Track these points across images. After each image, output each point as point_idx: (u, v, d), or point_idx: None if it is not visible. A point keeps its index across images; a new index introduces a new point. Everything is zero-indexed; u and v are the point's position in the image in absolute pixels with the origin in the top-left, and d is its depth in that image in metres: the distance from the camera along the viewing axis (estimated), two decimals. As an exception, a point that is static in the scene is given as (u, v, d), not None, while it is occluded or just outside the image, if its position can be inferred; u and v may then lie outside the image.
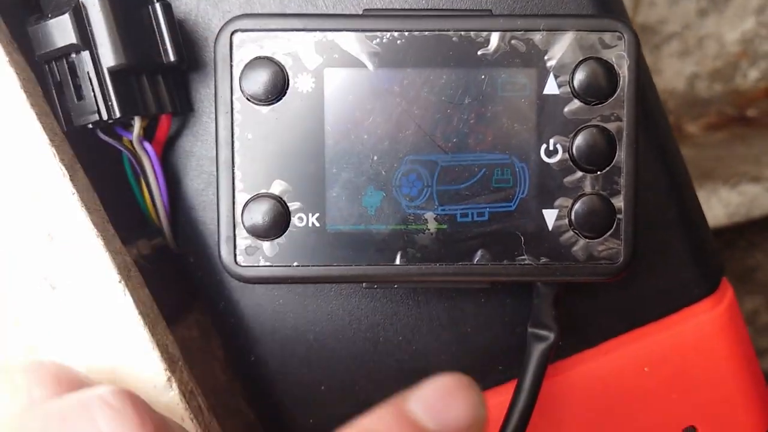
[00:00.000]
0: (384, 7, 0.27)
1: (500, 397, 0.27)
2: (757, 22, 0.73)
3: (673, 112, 0.77)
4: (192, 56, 0.27)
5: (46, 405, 0.20)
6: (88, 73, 0.24)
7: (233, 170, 0.24)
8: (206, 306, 0.30)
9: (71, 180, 0.23)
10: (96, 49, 0.24)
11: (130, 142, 0.26)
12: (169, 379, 0.24)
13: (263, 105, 0.24)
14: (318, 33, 0.24)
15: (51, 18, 0.23)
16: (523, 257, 0.25)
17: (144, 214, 0.29)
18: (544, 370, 0.26)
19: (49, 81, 0.24)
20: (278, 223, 0.24)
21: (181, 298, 0.34)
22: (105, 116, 0.24)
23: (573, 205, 0.25)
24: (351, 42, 0.24)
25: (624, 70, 0.25)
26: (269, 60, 0.24)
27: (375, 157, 0.24)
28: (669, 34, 0.74)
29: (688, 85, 0.77)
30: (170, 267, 0.31)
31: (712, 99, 0.78)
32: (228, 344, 0.31)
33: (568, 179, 0.25)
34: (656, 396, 0.29)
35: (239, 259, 0.25)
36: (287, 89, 0.24)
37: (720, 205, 0.68)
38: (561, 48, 0.24)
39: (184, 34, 0.27)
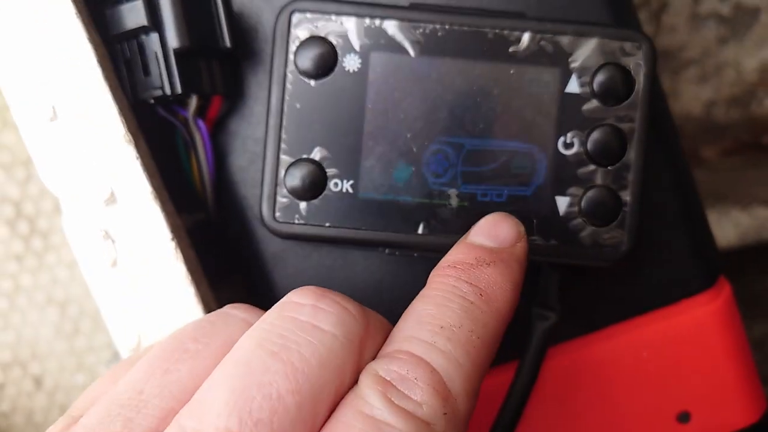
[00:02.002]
0: (428, 2, 0.30)
1: (503, 376, 0.29)
2: (776, 51, 0.75)
3: (689, 136, 0.79)
4: (244, 45, 0.30)
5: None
6: (155, 52, 0.27)
7: (280, 135, 0.27)
8: (242, 275, 0.33)
9: (135, 146, 0.26)
10: (164, 31, 0.26)
11: (185, 118, 0.29)
12: (210, 331, 0.27)
13: (313, 79, 0.27)
14: (368, 19, 0.27)
15: (126, 2, 0.26)
16: (534, 238, 0.27)
17: (187, 191, 0.32)
18: (546, 347, 0.29)
19: (120, 58, 0.27)
20: (316, 185, 0.27)
21: (215, 271, 0.37)
22: (168, 91, 0.27)
23: (584, 194, 0.27)
24: (397, 30, 0.27)
25: (640, 77, 0.27)
26: (322, 39, 0.27)
27: (408, 135, 0.27)
28: (688, 60, 0.76)
29: (705, 111, 0.79)
30: (208, 242, 0.33)
31: (729, 125, 0.80)
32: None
33: (581, 171, 0.27)
34: (653, 381, 0.31)
35: (277, 215, 0.27)
36: (335, 67, 0.27)
37: (731, 225, 0.69)
38: (585, 52, 0.27)
39: (238, 24, 0.30)
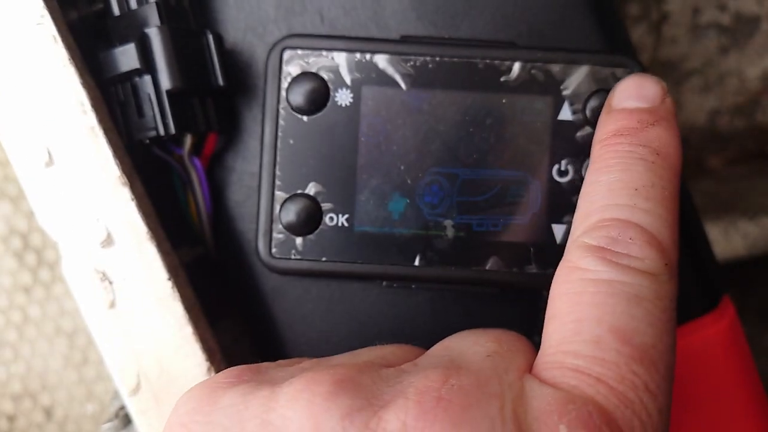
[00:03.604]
0: (419, 35, 0.30)
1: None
2: (778, 60, 0.75)
3: (694, 146, 0.79)
4: (238, 81, 0.31)
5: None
6: (149, 94, 0.27)
7: (275, 171, 0.27)
8: (241, 310, 0.33)
9: (131, 188, 0.26)
10: (156, 73, 0.27)
11: (181, 157, 0.29)
12: (209, 369, 0.27)
13: (305, 115, 0.27)
14: (358, 54, 0.27)
15: (119, 46, 0.27)
16: (531, 267, 0.27)
17: (186, 225, 0.32)
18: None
19: (114, 101, 0.28)
20: (311, 220, 0.27)
21: (215, 305, 0.37)
22: (162, 132, 0.27)
23: (580, 221, 0.27)
24: (387, 63, 0.27)
25: None
26: (314, 75, 0.27)
27: (402, 167, 0.27)
28: (690, 70, 0.76)
29: (710, 121, 0.78)
30: (207, 277, 0.33)
31: (734, 134, 0.79)
32: (259, 346, 0.33)
33: (576, 198, 0.27)
34: (659, 405, 0.31)
35: (274, 251, 0.27)
36: (328, 102, 0.27)
37: (739, 236, 0.69)
38: (576, 79, 0.27)
39: (231, 62, 0.30)
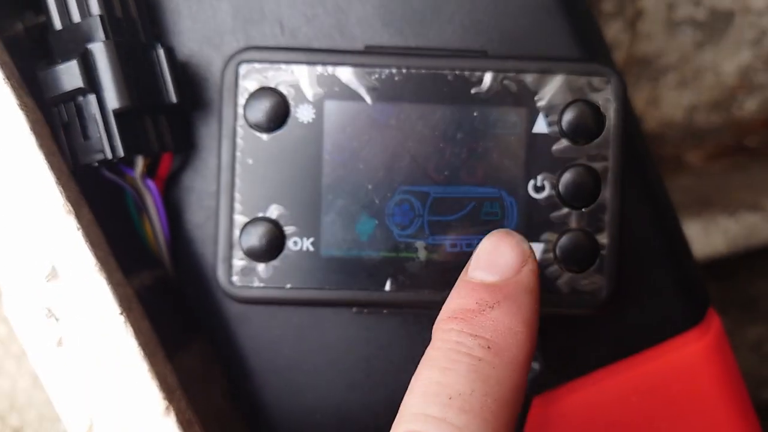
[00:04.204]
0: (384, 44, 0.28)
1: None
2: (753, 54, 0.75)
3: (672, 142, 0.78)
4: (193, 96, 0.29)
5: None
6: (94, 114, 0.25)
7: (233, 193, 0.26)
8: (205, 337, 0.31)
9: (76, 216, 0.24)
10: (102, 92, 0.25)
11: (134, 179, 0.27)
12: (167, 408, 0.25)
13: (265, 133, 0.26)
14: (320, 66, 0.25)
15: (60, 63, 0.25)
16: (509, 290, 0.25)
17: (143, 247, 0.30)
18: (529, 400, 0.27)
19: (57, 122, 0.26)
20: (274, 246, 0.25)
21: (183, 326, 0.35)
22: (110, 156, 0.25)
23: (558, 239, 0.26)
24: (351, 76, 0.25)
25: (610, 113, 0.26)
26: (272, 90, 0.25)
27: (370, 186, 0.26)
28: (666, 66, 0.75)
29: (687, 116, 0.78)
30: (171, 298, 0.31)
31: (711, 129, 0.79)
32: (227, 372, 0.31)
33: (554, 215, 0.26)
34: (644, 426, 0.30)
35: (234, 279, 0.26)
36: (288, 119, 0.26)
37: (719, 232, 0.68)
38: (551, 89, 0.26)
39: (185, 76, 0.28)
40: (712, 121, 0.78)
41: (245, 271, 0.26)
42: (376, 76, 0.26)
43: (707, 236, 0.67)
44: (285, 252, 0.26)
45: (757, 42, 0.74)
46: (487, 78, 0.26)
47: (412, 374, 0.29)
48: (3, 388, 0.52)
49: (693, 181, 0.75)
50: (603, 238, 0.26)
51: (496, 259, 0.22)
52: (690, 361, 0.30)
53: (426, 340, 0.29)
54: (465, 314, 0.21)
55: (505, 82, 0.26)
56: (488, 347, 0.20)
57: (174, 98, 0.26)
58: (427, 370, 0.20)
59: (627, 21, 0.72)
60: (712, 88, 0.76)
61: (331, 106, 0.26)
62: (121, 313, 0.25)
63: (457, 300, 0.22)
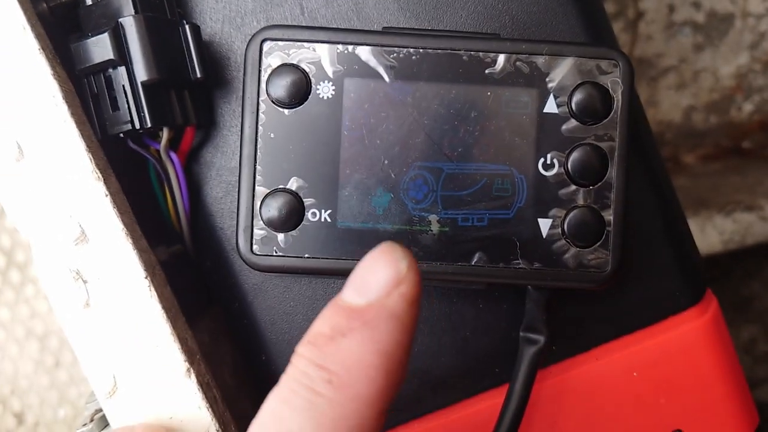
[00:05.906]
0: (402, 26, 0.29)
1: (497, 399, 0.29)
2: (751, 57, 0.76)
3: (670, 143, 0.79)
4: (216, 74, 0.30)
5: None
6: (123, 86, 0.26)
7: (255, 166, 0.27)
8: (222, 308, 0.32)
9: (105, 183, 0.25)
10: (131, 64, 0.26)
11: (157, 151, 0.28)
12: (188, 370, 0.26)
13: (286, 108, 0.27)
14: (340, 45, 0.26)
15: (91, 36, 0.26)
16: (517, 261, 0.27)
17: (163, 222, 0.31)
18: (534, 372, 0.28)
19: (87, 93, 0.27)
20: (293, 216, 0.26)
21: (193, 304, 0.36)
22: (137, 125, 0.26)
23: (566, 215, 0.27)
24: (370, 55, 0.26)
25: (618, 95, 0.27)
26: (294, 67, 0.26)
27: (386, 162, 0.27)
28: (666, 68, 0.76)
29: (685, 117, 0.79)
30: (185, 274, 0.32)
31: (708, 131, 0.80)
32: (239, 345, 0.32)
33: (562, 192, 0.27)
34: (645, 400, 0.31)
35: (255, 248, 0.27)
36: (309, 95, 0.27)
37: (715, 232, 0.69)
38: (561, 71, 0.27)
39: (209, 54, 0.29)
40: (709, 122, 0.79)
41: (265, 241, 0.27)
42: (395, 55, 0.27)
43: (704, 235, 0.68)
44: (304, 223, 0.27)
45: (756, 45, 0.75)
46: (501, 59, 0.27)
47: (420, 346, 0.30)
48: (5, 373, 0.53)
49: (690, 181, 0.77)
50: (609, 215, 0.27)
51: (368, 278, 0.19)
52: (689, 338, 0.31)
53: (438, 312, 0.30)
54: (317, 340, 0.19)
55: (518, 63, 0.27)
56: (330, 381, 0.18)
57: (199, 74, 0.27)
58: (272, 397, 0.19)
59: (628, 22, 0.74)
60: (711, 90, 0.77)
61: (350, 84, 0.27)
62: (146, 277, 0.26)
63: (318, 322, 0.19)
